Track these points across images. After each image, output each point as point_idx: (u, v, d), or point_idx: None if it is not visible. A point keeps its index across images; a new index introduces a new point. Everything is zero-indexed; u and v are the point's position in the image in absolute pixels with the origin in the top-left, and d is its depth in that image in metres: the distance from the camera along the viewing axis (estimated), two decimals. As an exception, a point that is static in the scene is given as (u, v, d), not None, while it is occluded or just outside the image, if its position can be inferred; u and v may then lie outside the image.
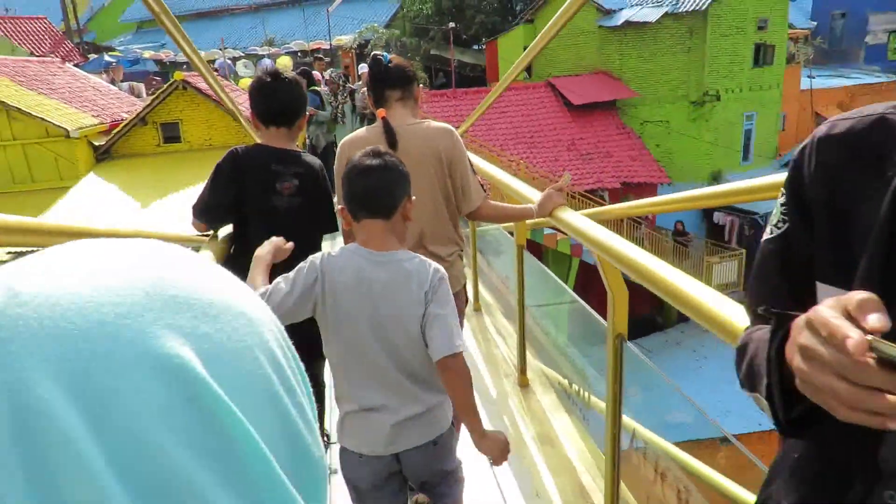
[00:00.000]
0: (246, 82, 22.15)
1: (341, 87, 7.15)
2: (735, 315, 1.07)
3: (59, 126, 12.32)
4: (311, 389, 0.37)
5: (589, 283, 14.29)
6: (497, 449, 1.52)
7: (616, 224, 13.63)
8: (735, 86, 17.57)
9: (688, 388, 1.73)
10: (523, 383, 2.98)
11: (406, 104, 2.19)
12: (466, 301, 2.38)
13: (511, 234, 3.31)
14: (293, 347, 0.37)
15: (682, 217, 16.93)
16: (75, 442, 0.25)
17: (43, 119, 12.28)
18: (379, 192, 1.50)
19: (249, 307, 0.34)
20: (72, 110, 13.77)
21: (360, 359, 1.50)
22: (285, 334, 0.36)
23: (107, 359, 0.27)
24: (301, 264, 1.52)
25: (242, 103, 15.78)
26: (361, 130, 2.22)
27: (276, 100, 2.13)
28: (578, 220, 1.93)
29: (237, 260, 2.13)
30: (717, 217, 17.40)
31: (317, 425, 0.36)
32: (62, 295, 0.28)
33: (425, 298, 1.48)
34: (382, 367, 1.49)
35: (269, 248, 1.59)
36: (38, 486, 0.24)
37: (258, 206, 2.09)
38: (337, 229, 2.17)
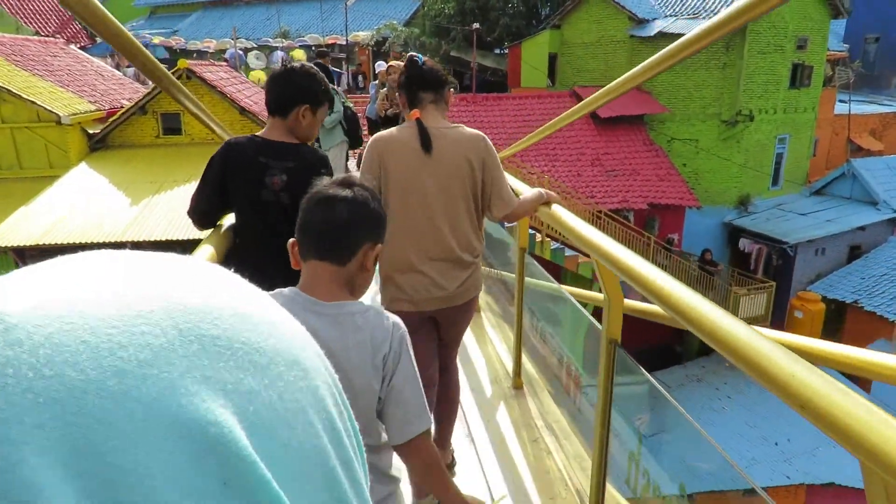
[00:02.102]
0: (257, 74, 21.34)
1: None
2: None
3: (50, 111, 11.49)
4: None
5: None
6: None
7: (643, 246, 12.72)
8: (770, 106, 16.64)
9: (709, 430, 1.48)
10: (600, 532, 2.07)
11: (438, 107, 2.20)
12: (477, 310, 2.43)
13: (584, 307, 2.40)
14: (346, 399, 0.29)
15: (707, 242, 16.01)
16: None
17: (34, 102, 11.45)
18: (334, 230, 1.23)
19: (302, 351, 0.27)
20: (68, 94, 12.94)
21: None
22: (339, 383, 0.29)
23: (123, 425, 0.20)
24: None
25: (250, 96, 14.95)
26: (393, 129, 2.18)
27: (272, 88, 2.07)
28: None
29: (239, 255, 2.08)
30: (743, 244, 16.47)
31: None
32: (70, 329, 0.21)
33: (383, 365, 1.21)
34: None
35: None
36: None
37: (247, 200, 2.03)
38: None
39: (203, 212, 2.08)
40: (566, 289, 2.81)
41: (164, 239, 9.15)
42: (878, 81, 26.57)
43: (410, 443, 1.22)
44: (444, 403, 2.35)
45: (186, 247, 10.26)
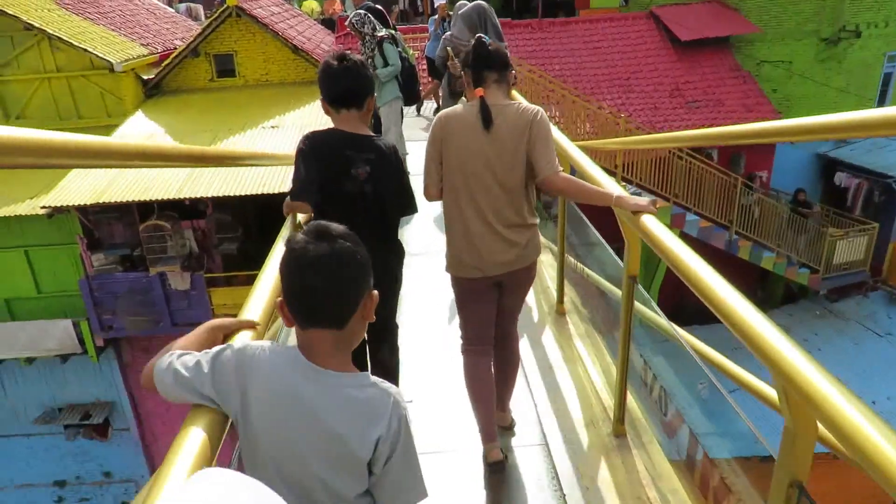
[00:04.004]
0: (310, 5, 20.41)
1: (369, 37, 5.36)
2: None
3: (102, 58, 11.16)
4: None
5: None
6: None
7: (729, 187, 11.61)
8: (881, 19, 14.59)
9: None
10: None
11: (500, 86, 2.34)
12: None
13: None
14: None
15: (799, 177, 14.57)
16: None
17: (86, 50, 11.12)
18: (326, 297, 1.15)
19: None
20: (120, 39, 12.58)
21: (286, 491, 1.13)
22: None
23: None
24: (218, 354, 1.18)
25: (303, 31, 14.21)
26: (458, 107, 2.34)
27: (344, 82, 2.17)
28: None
29: None
30: (840, 178, 14.94)
31: None
32: None
33: (376, 444, 1.14)
34: None
35: (217, 328, 1.32)
36: None
37: (332, 191, 2.13)
38: (415, 212, 2.30)
39: (310, 184, 2.16)
40: (691, 341, 2.17)
41: (220, 195, 8.85)
42: None
43: None
44: (505, 369, 2.60)
45: (245, 203, 9.94)
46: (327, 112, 2.23)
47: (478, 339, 2.48)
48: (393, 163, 2.20)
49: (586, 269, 3.41)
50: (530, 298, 3.88)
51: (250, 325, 1.36)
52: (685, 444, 2.08)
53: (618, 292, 3.09)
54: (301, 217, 2.29)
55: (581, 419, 2.69)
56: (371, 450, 1.15)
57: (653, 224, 1.96)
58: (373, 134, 2.25)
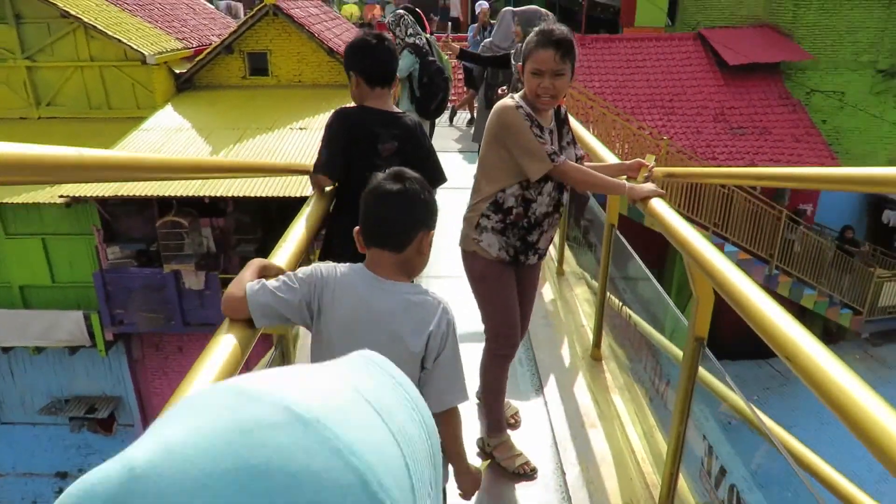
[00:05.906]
0: (350, 9, 20.25)
1: (399, 41, 4.95)
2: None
3: (136, 49, 11.02)
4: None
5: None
6: (473, 486, 1.55)
7: (773, 220, 11.00)
8: (943, 53, 13.86)
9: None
10: None
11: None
12: (478, 266, 2.36)
13: None
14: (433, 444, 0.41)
15: (844, 213, 13.86)
16: None
17: (120, 41, 11.00)
18: (391, 223, 1.39)
19: (414, 429, 0.39)
20: (156, 31, 12.48)
21: None
22: (436, 444, 0.42)
23: None
24: (305, 270, 1.43)
25: (340, 34, 13.99)
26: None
27: (382, 61, 2.23)
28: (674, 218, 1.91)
29: (338, 218, 2.30)
30: (888, 216, 14.18)
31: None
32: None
33: (428, 339, 1.36)
34: None
35: (268, 266, 1.54)
36: None
37: (361, 167, 2.13)
38: (445, 181, 2.34)
39: (335, 160, 2.22)
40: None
41: (242, 195, 8.57)
42: None
43: (443, 412, 1.39)
44: None
45: (267, 204, 9.69)
46: (358, 87, 2.25)
47: None
48: (419, 136, 2.26)
49: (631, 313, 2.97)
50: (561, 338, 3.44)
51: (279, 271, 1.53)
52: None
53: (662, 339, 2.65)
54: (327, 189, 2.35)
55: (619, 497, 2.24)
56: (423, 346, 1.34)
57: (737, 278, 1.53)
58: (400, 111, 2.30)
